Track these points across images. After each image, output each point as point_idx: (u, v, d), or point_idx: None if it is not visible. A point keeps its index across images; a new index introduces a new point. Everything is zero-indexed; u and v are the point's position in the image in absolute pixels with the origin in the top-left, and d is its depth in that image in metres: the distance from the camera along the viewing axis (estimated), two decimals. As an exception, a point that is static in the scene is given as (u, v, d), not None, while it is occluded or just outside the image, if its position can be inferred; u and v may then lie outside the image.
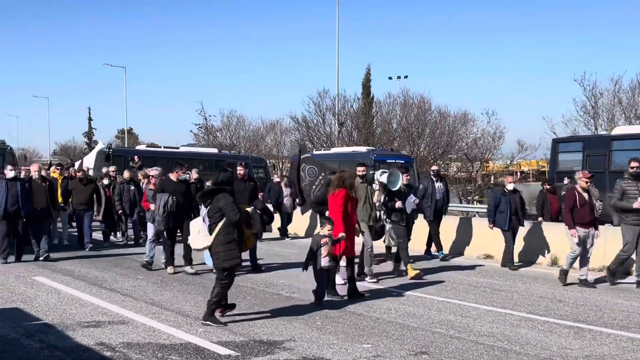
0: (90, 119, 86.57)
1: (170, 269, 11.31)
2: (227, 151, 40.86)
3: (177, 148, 35.11)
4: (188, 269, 11.23)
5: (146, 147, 34.92)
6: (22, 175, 12.39)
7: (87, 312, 8.14)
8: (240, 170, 11.75)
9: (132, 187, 15.45)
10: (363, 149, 31.23)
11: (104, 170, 17.10)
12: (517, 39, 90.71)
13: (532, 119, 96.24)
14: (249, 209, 8.04)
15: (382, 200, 11.12)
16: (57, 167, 17.33)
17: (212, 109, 76.75)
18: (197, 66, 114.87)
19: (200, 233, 7.61)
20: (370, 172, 11.59)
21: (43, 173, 13.39)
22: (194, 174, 13.29)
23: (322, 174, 12.37)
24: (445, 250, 14.14)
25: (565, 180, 16.48)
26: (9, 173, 12.21)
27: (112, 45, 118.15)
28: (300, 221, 18.49)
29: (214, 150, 37.14)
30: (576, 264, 10.83)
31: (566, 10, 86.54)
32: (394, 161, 29.78)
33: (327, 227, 8.65)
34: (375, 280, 10.79)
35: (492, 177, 40.35)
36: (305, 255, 8.85)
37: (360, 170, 10.92)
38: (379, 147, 33.53)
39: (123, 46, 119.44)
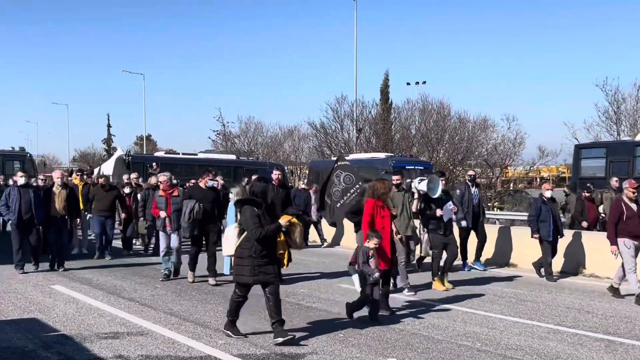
0: (109, 126, 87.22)
1: (190, 277, 11.12)
2: (245, 158, 40.82)
3: (196, 155, 35.13)
4: (211, 280, 11.00)
5: (164, 154, 34.95)
6: (40, 181, 12.44)
7: (105, 323, 8.01)
8: (277, 174, 11.47)
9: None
10: (382, 155, 31.01)
11: (124, 178, 16.89)
12: (538, 43, 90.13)
13: (553, 124, 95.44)
14: (286, 221, 7.16)
15: (419, 208, 10.81)
16: (78, 173, 17.10)
17: (230, 115, 76.85)
18: (215, 73, 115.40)
19: (228, 240, 7.37)
20: (407, 180, 11.25)
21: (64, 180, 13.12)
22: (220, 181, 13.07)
23: (359, 183, 11.90)
24: (469, 259, 13.87)
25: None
26: (20, 180, 11.99)
27: (131, 52, 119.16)
28: (328, 229, 17.69)
29: (232, 157, 37.11)
30: (609, 273, 10.54)
31: (588, 14, 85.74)
32: (413, 167, 29.59)
33: (373, 240, 8.31)
34: (413, 293, 10.34)
35: (512, 184, 39.99)
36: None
37: (395, 178, 10.61)
38: (398, 153, 33.26)
39: (142, 53, 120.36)
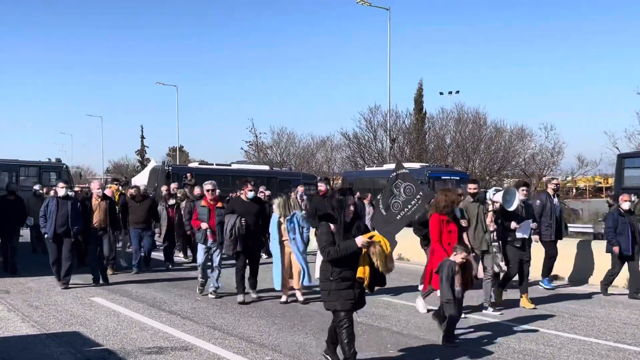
0: (142, 137, 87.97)
1: (240, 297, 10.18)
2: (278, 168, 40.75)
3: (229, 165, 35.14)
4: (252, 293, 10.51)
5: (198, 165, 35.02)
6: (76, 192, 12.24)
7: (147, 337, 7.82)
8: (321, 186, 11.13)
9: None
10: (417, 165, 30.68)
11: (164, 189, 16.02)
12: (576, 50, 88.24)
13: (593, 133, 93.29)
14: (365, 239, 5.90)
15: (493, 221, 9.88)
16: (115, 182, 16.30)
17: (262, 126, 77.13)
18: (248, 83, 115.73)
19: (316, 262, 6.72)
20: (481, 190, 10.65)
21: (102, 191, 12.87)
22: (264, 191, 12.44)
23: (420, 193, 11.41)
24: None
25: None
26: (60, 191, 11.55)
27: (164, 64, 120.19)
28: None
29: (266, 168, 37.05)
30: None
31: (627, 19, 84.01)
32: (449, 178, 29.19)
33: (460, 254, 7.51)
34: (500, 312, 9.59)
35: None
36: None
37: (472, 187, 9.87)
38: (433, 163, 32.86)
39: (175, 65, 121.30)
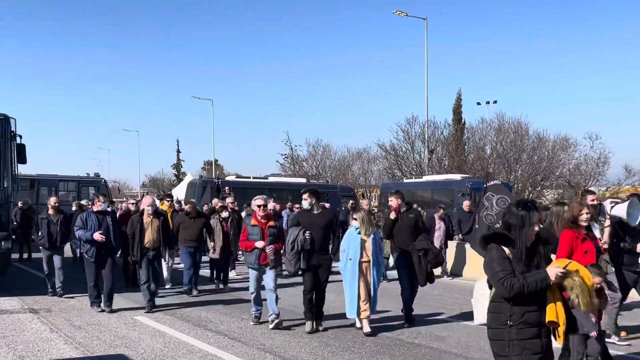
0: (178, 151, 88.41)
1: (308, 327, 9.02)
2: (315, 180, 40.37)
3: (266, 178, 34.91)
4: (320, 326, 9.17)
5: (235, 177, 34.84)
6: (123, 207, 11.72)
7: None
8: (393, 201, 9.68)
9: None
10: (457, 176, 30.03)
11: (215, 202, 14.86)
12: (618, 56, 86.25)
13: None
14: (559, 268, 4.34)
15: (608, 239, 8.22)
16: (167, 199, 14.70)
17: (298, 138, 77.07)
18: (283, 96, 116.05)
19: (480, 300, 5.18)
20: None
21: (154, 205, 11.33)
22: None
23: None
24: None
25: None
26: (101, 205, 10.65)
27: (199, 78, 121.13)
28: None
29: (303, 180, 36.73)
30: None
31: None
32: (491, 189, 28.47)
33: (597, 278, 5.75)
34: (627, 342, 8.31)
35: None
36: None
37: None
38: (476, 175, 32.10)
39: (210, 79, 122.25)
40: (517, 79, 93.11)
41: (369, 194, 45.64)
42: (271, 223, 9.31)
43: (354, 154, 54.07)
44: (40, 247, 12.32)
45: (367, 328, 8.88)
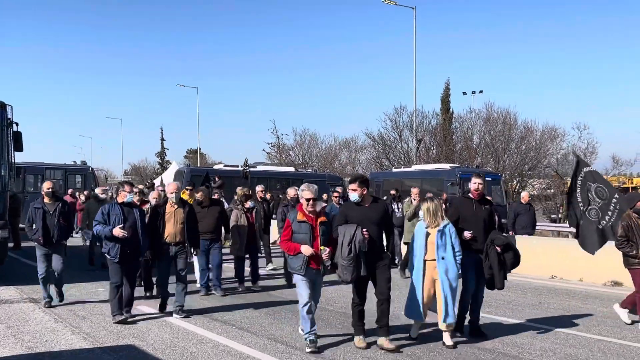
0: (162, 139, 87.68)
1: (360, 342, 7.54)
2: (303, 169, 40.31)
3: (255, 167, 34.79)
4: (385, 343, 7.44)
5: (224, 167, 34.66)
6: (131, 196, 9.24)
7: (209, 351, 7.32)
8: (478, 183, 8.16)
9: None
10: (446, 166, 30.10)
11: (240, 191, 12.97)
12: (607, 47, 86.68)
13: (627, 132, 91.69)
14: None
15: None
16: (188, 188, 12.60)
17: (284, 127, 76.83)
18: (269, 85, 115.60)
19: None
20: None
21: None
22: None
23: (616, 196, 9.57)
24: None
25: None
26: (126, 196, 9.05)
27: (185, 66, 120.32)
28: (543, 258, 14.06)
29: (291, 169, 36.67)
30: None
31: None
32: (480, 178, 28.55)
33: None
34: None
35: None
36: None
37: None
38: (465, 164, 32.22)
39: (195, 67, 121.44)
40: (505, 69, 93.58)
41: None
42: (322, 219, 7.52)
43: (341, 143, 54.20)
44: (35, 244, 9.93)
45: (449, 340, 7.63)
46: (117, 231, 8.62)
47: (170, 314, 9.21)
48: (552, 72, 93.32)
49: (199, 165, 59.57)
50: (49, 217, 9.76)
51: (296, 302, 7.82)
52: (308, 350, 7.27)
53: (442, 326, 7.62)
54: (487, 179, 28.87)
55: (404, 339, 7.88)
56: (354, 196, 7.53)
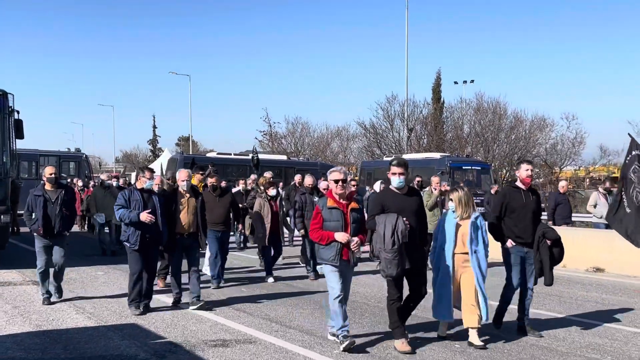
0: (154, 127, 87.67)
1: (404, 345, 6.79)
2: (295, 158, 40.67)
3: (247, 155, 35.07)
4: (402, 345, 6.82)
5: (217, 154, 34.94)
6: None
7: (207, 329, 7.73)
8: (529, 169, 7.70)
9: (316, 199, 11.06)
10: (437, 155, 30.49)
11: (263, 178, 12.77)
12: (598, 38, 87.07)
13: (616, 122, 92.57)
14: None
15: None
16: (199, 172, 11.65)
17: (277, 116, 77.10)
18: (262, 73, 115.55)
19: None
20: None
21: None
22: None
23: None
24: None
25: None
26: (145, 182, 8.76)
27: (177, 53, 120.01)
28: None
29: (284, 157, 37.00)
30: None
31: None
32: (470, 168, 28.96)
33: None
34: None
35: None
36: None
37: None
38: (456, 153, 32.65)
39: (188, 54, 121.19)
40: (496, 58, 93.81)
41: (349, 171, 46.15)
42: (354, 205, 6.93)
43: (333, 131, 54.58)
44: (34, 234, 9.11)
45: (475, 339, 7.08)
46: (145, 216, 8.32)
47: (186, 305, 8.93)
48: (542, 62, 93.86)
49: (191, 153, 59.90)
50: (50, 206, 9.00)
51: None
52: (342, 347, 6.70)
53: (471, 323, 7.07)
54: (476, 168, 29.51)
55: (432, 339, 7.34)
56: (399, 181, 6.87)
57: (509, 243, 7.56)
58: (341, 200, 6.81)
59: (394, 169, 6.87)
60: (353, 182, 12.76)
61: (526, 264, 7.58)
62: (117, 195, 9.02)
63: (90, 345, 6.96)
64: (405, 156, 33.08)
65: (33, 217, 8.98)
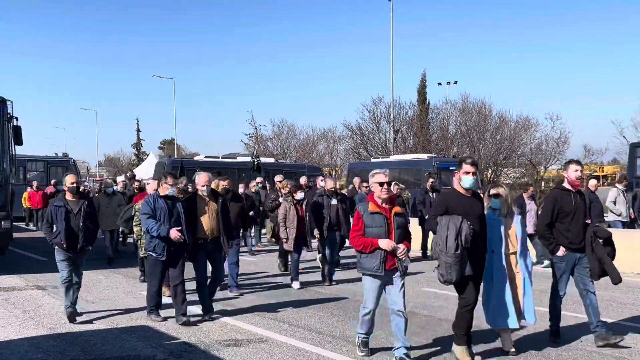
0: (138, 131, 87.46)
1: (464, 354, 6.43)
2: (284, 160, 40.83)
3: (235, 158, 35.17)
4: (462, 355, 6.46)
5: (204, 157, 35.01)
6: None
7: (218, 330, 7.92)
8: (579, 169, 7.27)
9: (335, 202, 11.44)
10: (424, 156, 30.77)
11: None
12: (581, 38, 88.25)
13: (599, 122, 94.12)
14: None
15: None
16: (219, 178, 10.78)
17: (262, 118, 77.18)
18: (247, 76, 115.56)
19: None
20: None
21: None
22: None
23: None
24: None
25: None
26: (168, 189, 8.40)
27: (161, 57, 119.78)
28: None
29: (271, 160, 37.15)
30: None
31: (632, 7, 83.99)
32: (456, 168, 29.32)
33: None
34: None
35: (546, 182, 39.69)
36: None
37: None
38: (442, 153, 33.00)
39: (172, 58, 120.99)
40: (482, 60, 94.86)
41: (334, 173, 46.35)
42: (397, 209, 6.51)
43: (319, 133, 54.77)
44: (56, 247, 8.46)
45: (510, 346, 6.79)
46: (175, 234, 8.09)
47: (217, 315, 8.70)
48: (526, 63, 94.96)
49: (175, 156, 59.82)
50: (73, 218, 8.38)
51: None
52: (360, 353, 6.68)
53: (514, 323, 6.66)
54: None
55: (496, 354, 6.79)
56: (472, 180, 6.42)
57: (561, 251, 7.18)
58: (384, 205, 6.38)
59: (467, 167, 6.41)
60: (365, 183, 12.29)
61: (581, 267, 7.17)
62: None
63: (107, 347, 7.13)
64: (393, 157, 33.41)
65: (54, 229, 8.39)
